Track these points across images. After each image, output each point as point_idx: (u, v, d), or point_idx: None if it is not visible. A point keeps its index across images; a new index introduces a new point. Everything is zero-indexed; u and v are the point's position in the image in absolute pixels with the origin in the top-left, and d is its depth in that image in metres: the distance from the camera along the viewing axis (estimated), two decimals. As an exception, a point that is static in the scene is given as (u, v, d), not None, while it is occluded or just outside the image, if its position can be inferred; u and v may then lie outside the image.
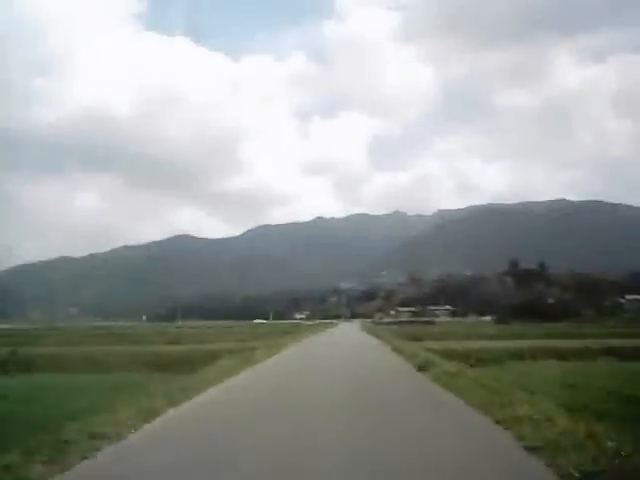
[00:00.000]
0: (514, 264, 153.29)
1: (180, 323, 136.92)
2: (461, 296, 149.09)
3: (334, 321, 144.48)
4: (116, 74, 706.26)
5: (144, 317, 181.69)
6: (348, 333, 57.62)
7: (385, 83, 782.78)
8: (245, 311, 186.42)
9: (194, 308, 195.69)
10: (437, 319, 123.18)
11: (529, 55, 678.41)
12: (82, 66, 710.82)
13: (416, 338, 41.08)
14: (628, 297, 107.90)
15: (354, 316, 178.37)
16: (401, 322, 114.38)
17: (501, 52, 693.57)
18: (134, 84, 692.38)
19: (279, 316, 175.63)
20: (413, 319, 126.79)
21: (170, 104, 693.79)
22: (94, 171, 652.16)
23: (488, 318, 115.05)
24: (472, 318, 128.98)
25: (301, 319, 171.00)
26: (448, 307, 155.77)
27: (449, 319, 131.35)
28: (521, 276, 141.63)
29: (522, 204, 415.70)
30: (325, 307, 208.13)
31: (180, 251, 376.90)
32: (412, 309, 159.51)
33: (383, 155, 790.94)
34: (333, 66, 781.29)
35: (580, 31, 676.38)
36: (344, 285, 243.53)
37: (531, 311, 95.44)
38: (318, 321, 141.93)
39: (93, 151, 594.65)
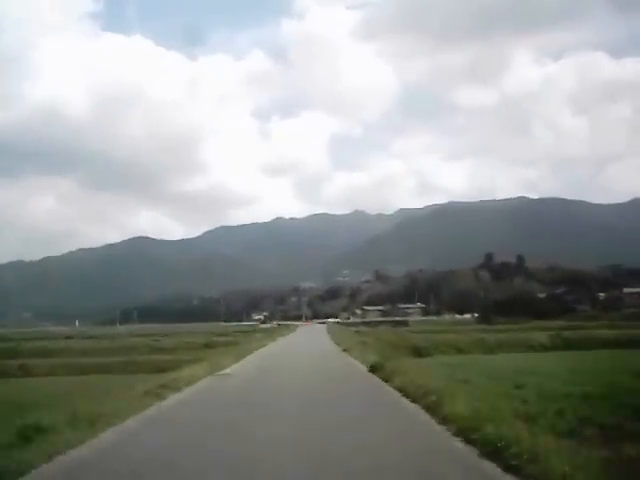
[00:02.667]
0: (489, 257, 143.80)
1: (119, 328, 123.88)
2: (433, 293, 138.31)
3: (295, 322, 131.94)
4: (72, 74, 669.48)
5: (77, 322, 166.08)
6: (312, 350, 32.30)
7: (345, 82, 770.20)
8: (203, 311, 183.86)
9: (152, 310, 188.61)
10: (409, 318, 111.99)
11: (489, 53, 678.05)
12: (37, 66, 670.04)
13: (420, 353, 28.34)
14: (626, 290, 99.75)
15: (316, 316, 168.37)
16: (370, 322, 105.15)
17: (461, 50, 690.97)
18: (90, 84, 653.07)
19: (236, 317, 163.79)
20: (383, 319, 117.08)
21: (128, 105, 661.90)
22: (49, 173, 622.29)
23: (468, 316, 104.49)
24: (448, 316, 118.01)
25: (259, 320, 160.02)
26: (420, 305, 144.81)
27: (422, 318, 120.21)
28: (498, 270, 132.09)
29: (483, 202, 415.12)
30: (285, 307, 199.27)
31: (138, 253, 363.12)
32: (380, 308, 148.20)
33: (343, 154, 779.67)
34: (293, 65, 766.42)
35: (538, 29, 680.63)
36: (305, 285, 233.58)
37: (518, 307, 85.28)
38: (276, 323, 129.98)
39: (48, 153, 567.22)
